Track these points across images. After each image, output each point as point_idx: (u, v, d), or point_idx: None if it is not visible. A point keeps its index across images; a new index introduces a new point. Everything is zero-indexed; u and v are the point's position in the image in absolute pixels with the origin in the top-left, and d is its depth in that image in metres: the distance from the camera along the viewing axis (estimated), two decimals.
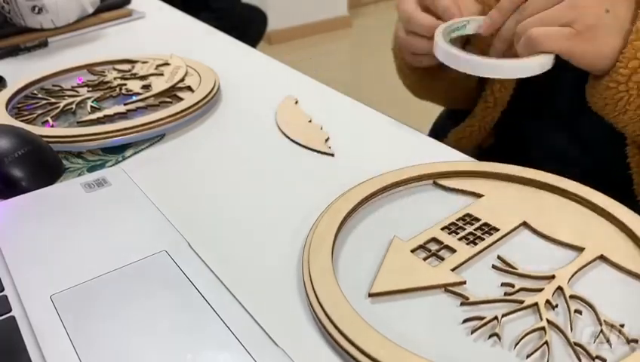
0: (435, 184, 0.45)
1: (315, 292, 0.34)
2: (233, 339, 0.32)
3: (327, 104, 0.61)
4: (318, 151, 0.52)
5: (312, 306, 0.34)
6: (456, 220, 0.41)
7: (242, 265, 0.39)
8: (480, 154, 0.65)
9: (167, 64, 0.68)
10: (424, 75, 0.65)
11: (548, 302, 0.34)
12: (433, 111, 0.82)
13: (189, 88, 0.63)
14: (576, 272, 0.36)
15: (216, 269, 0.37)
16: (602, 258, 0.37)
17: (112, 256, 0.39)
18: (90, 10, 0.86)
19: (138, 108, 0.60)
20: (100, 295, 0.36)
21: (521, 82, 0.60)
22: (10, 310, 0.35)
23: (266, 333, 0.33)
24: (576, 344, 0.31)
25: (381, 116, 0.58)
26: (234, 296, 0.35)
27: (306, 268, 0.36)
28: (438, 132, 0.78)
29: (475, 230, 0.40)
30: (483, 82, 0.65)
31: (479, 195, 0.43)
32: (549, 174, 0.44)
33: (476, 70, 0.50)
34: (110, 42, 0.83)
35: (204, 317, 0.34)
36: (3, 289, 0.37)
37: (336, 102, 0.62)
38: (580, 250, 0.38)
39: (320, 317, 0.33)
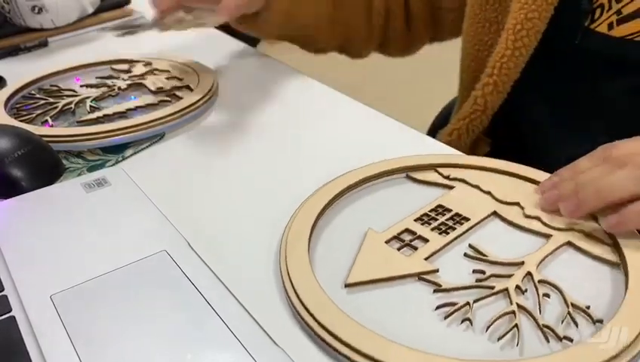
0: (408, 177, 0.46)
1: (292, 284, 0.35)
2: (233, 339, 0.32)
3: (326, 104, 0.61)
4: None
5: (289, 298, 0.35)
6: (429, 211, 0.42)
7: (242, 265, 0.39)
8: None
9: (164, 63, 0.68)
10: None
11: (518, 287, 0.35)
12: (434, 110, 0.82)
13: (188, 87, 0.63)
14: (544, 258, 0.37)
15: (216, 269, 0.37)
16: (569, 244, 0.38)
17: (112, 256, 0.39)
18: (90, 10, 0.86)
19: (137, 107, 0.60)
20: (100, 295, 0.36)
21: (534, 89, 0.58)
22: (10, 310, 0.35)
23: (266, 333, 0.33)
24: (544, 326, 0.32)
25: (379, 115, 0.58)
26: (234, 296, 0.35)
27: (284, 262, 0.37)
28: (438, 129, 0.77)
29: (446, 220, 0.41)
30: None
31: (450, 187, 0.44)
32: (517, 165, 0.45)
33: None
34: (110, 42, 0.83)
35: (204, 317, 0.34)
36: (3, 289, 0.37)
37: (335, 101, 0.62)
38: (548, 236, 0.39)
39: (297, 307, 0.34)
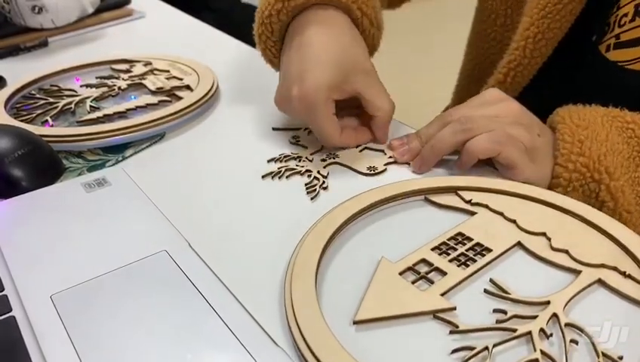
0: (426, 200, 0.44)
1: (296, 320, 0.33)
2: (233, 339, 0.32)
3: None
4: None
5: (293, 337, 0.32)
6: (448, 240, 0.39)
7: (242, 265, 0.39)
8: None
9: (164, 63, 0.68)
10: None
11: (542, 330, 0.32)
12: (433, 110, 0.82)
13: (188, 87, 0.63)
14: (572, 298, 0.34)
15: (216, 269, 0.38)
16: (600, 282, 0.35)
17: (112, 256, 0.39)
18: (90, 10, 0.86)
19: (137, 107, 0.60)
20: (100, 295, 0.36)
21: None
22: (11, 310, 0.35)
23: (266, 333, 0.33)
24: None
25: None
26: (234, 296, 0.35)
27: (288, 292, 0.35)
28: None
29: (467, 250, 0.38)
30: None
31: (472, 213, 0.42)
32: (545, 191, 0.43)
33: None
34: (110, 42, 0.83)
35: (203, 317, 0.34)
36: (3, 289, 0.37)
37: None
38: (576, 273, 0.36)
39: (302, 349, 0.31)
